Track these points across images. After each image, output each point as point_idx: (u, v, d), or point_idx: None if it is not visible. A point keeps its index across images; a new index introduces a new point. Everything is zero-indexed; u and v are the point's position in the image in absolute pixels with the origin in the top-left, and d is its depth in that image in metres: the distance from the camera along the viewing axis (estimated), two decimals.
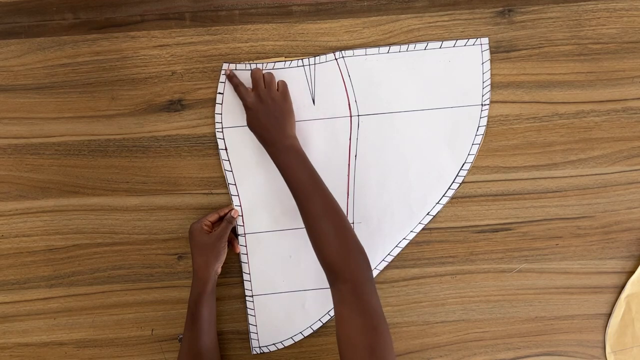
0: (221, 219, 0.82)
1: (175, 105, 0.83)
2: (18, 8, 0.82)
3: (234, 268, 0.85)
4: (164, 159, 0.84)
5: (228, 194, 0.84)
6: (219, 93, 0.82)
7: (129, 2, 0.82)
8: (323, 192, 0.74)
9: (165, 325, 0.86)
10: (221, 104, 0.82)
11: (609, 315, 0.85)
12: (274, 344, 0.86)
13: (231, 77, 0.81)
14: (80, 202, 0.85)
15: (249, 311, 0.85)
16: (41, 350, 0.86)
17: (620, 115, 0.83)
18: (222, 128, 0.82)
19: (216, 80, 0.83)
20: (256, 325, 0.85)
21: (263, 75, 0.80)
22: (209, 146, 0.84)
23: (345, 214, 0.84)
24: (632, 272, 0.84)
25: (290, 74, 0.82)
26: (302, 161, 0.76)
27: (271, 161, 0.82)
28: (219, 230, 0.80)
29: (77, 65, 0.83)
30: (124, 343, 0.86)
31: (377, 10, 0.82)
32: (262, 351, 0.86)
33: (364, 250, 0.72)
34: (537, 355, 0.86)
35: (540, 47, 0.82)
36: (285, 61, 0.82)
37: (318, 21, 0.82)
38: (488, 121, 0.83)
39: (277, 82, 0.81)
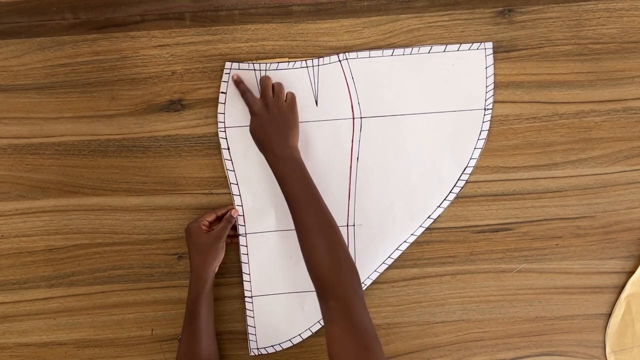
0: (219, 218, 0.82)
1: (175, 105, 0.83)
2: (18, 8, 0.82)
3: (233, 268, 0.85)
4: (164, 159, 0.84)
5: (228, 194, 0.84)
6: (222, 92, 0.82)
7: (129, 2, 0.82)
8: (318, 205, 0.73)
9: (165, 325, 0.86)
10: (224, 103, 0.82)
11: (609, 315, 0.85)
12: (272, 345, 0.86)
13: (238, 83, 0.81)
14: (80, 202, 0.85)
15: (248, 312, 0.85)
16: (41, 350, 0.86)
17: (620, 115, 0.83)
18: (225, 128, 0.82)
19: (216, 80, 0.83)
20: (254, 327, 0.85)
21: (273, 84, 0.80)
22: (209, 146, 0.84)
23: (347, 215, 0.84)
24: (632, 272, 0.84)
25: (294, 74, 0.82)
26: (300, 172, 0.75)
27: None
28: (218, 230, 0.80)
29: (77, 65, 0.83)
30: (124, 343, 0.86)
31: (377, 10, 0.82)
32: (260, 353, 0.86)
33: (355, 267, 0.71)
34: (537, 355, 0.86)
35: (540, 47, 0.82)
36: (288, 62, 0.82)
37: (318, 21, 0.82)
38: None
39: (286, 93, 0.81)
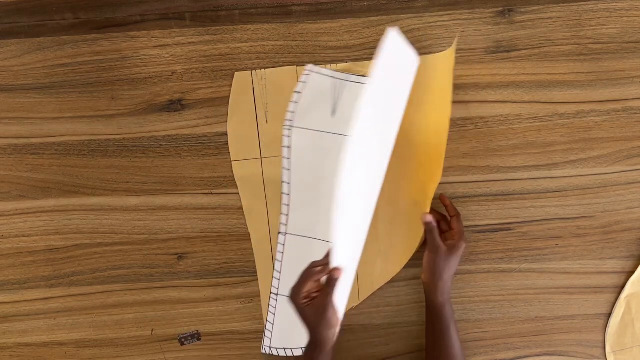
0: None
1: (175, 105, 0.83)
2: (18, 8, 0.82)
3: (234, 268, 0.85)
4: (164, 159, 0.84)
5: (228, 194, 0.84)
6: (296, 92, 0.81)
7: (129, 2, 0.82)
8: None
9: (165, 325, 0.86)
10: (297, 102, 0.82)
11: (609, 315, 0.85)
12: (284, 348, 0.85)
13: None
14: (80, 202, 0.85)
15: (271, 309, 0.84)
16: (41, 350, 0.86)
17: (620, 115, 0.83)
18: (292, 127, 0.82)
19: (216, 80, 0.83)
20: (273, 324, 0.85)
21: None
22: (209, 146, 0.84)
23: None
24: (632, 272, 0.84)
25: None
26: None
27: (330, 173, 0.77)
28: (322, 299, 0.70)
29: (77, 65, 0.83)
30: (124, 343, 0.86)
31: (377, 10, 0.82)
32: (271, 352, 0.85)
33: None
34: (537, 355, 0.86)
35: (540, 47, 0.82)
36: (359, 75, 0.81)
37: (318, 21, 0.82)
38: (488, 121, 0.83)
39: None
